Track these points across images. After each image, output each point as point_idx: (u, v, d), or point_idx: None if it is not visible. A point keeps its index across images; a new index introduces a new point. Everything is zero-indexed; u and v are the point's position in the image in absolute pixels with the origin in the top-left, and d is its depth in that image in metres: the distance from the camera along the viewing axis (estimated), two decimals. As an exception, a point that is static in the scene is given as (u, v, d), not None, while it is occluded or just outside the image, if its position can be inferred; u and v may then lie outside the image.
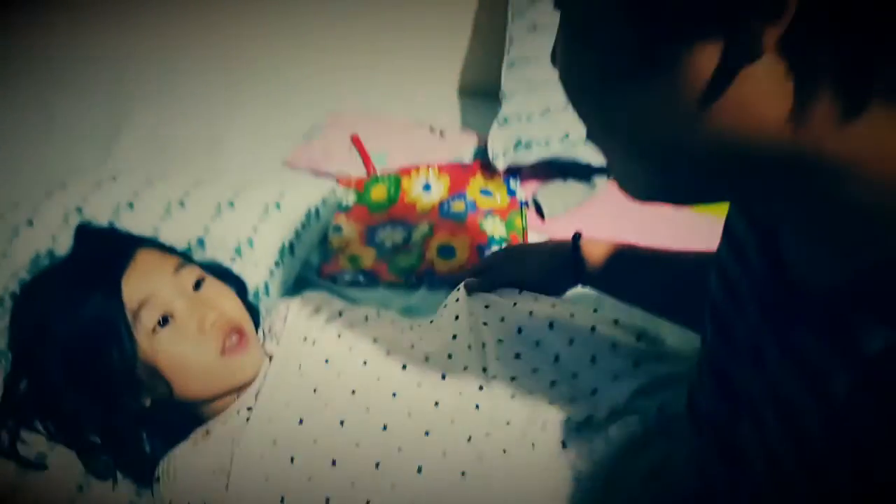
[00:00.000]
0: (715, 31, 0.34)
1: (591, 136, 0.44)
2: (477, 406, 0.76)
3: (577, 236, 0.89)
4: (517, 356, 0.81)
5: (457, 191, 1.31)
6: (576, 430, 0.72)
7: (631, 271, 0.86)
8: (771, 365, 0.47)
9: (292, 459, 0.75)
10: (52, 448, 0.77)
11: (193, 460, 0.78)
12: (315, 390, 0.80)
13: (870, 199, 0.37)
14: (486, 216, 1.25)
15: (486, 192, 1.31)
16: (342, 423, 0.76)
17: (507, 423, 0.74)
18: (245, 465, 0.75)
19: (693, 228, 1.14)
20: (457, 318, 0.87)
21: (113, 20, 1.74)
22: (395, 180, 1.34)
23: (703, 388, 0.58)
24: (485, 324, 0.86)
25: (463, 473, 0.71)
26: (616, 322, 0.83)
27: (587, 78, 0.41)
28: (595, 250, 0.87)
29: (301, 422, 0.77)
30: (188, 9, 1.70)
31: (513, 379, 0.78)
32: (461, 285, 0.92)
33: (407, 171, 1.35)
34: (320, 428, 0.76)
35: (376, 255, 1.21)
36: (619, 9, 0.36)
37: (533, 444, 0.72)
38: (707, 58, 0.34)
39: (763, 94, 0.35)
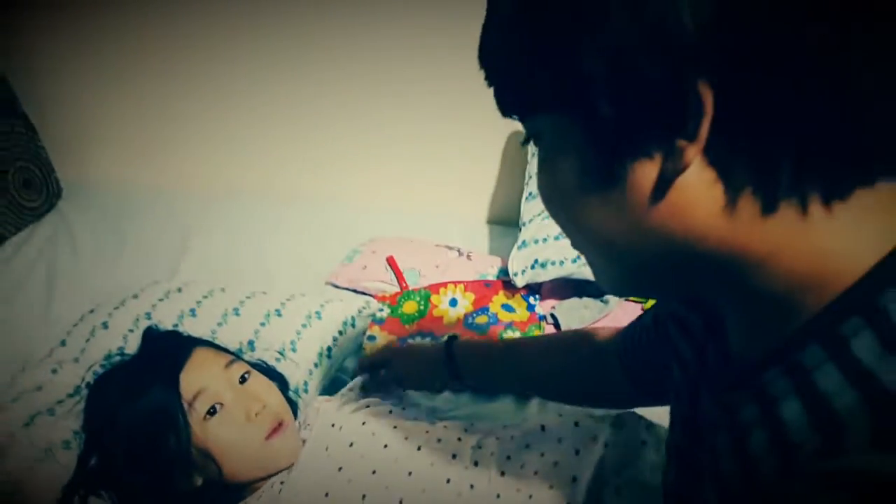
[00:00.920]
0: (651, 149, 0.41)
1: (573, 244, 0.53)
2: (472, 486, 0.85)
3: (451, 338, 1.02)
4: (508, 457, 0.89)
5: (481, 305, 1.44)
6: None
7: (488, 365, 0.98)
8: (709, 423, 0.55)
9: (327, 495, 0.84)
10: (115, 515, 0.88)
11: None
12: (340, 469, 0.89)
13: (780, 286, 0.43)
14: (506, 328, 1.37)
15: (507, 308, 1.43)
16: (364, 497, 0.85)
17: (498, 497, 0.82)
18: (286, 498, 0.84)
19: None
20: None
21: (177, 159, 1.99)
22: (426, 295, 1.47)
23: (669, 462, 0.65)
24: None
25: None
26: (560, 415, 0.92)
27: (559, 196, 0.49)
28: (467, 351, 1.00)
29: (327, 495, 0.86)
30: (244, 152, 1.93)
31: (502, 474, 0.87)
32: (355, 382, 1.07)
33: (436, 288, 1.48)
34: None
35: (406, 363, 1.32)
36: (579, 140, 0.44)
37: None
38: (648, 171, 0.41)
39: (696, 197, 0.41)
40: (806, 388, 0.42)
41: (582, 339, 0.92)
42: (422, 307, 1.45)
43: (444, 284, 1.49)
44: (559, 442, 0.87)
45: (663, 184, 0.41)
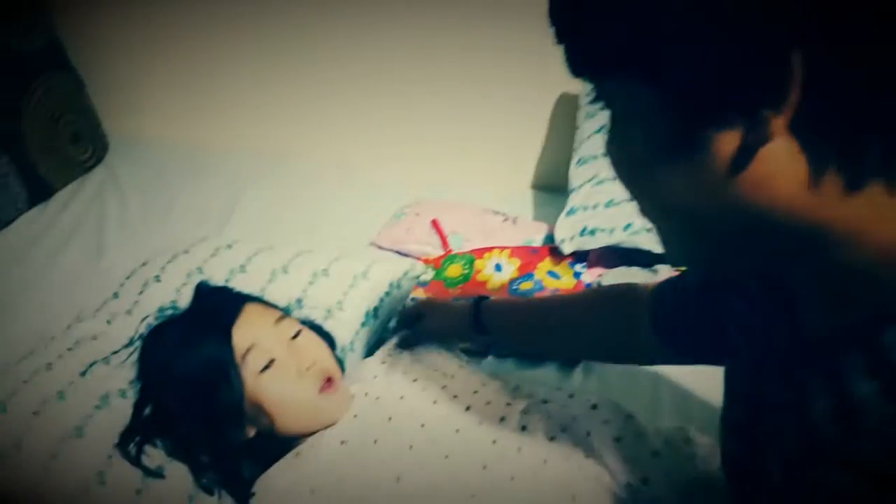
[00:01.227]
0: (735, 118, 0.39)
1: (643, 211, 0.51)
2: (519, 449, 0.85)
3: (479, 299, 1.02)
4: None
5: (526, 272, 1.43)
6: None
7: (511, 318, 1.00)
8: (775, 399, 0.54)
9: (363, 469, 0.85)
10: (169, 462, 0.90)
11: (283, 480, 0.89)
12: (390, 419, 0.91)
13: (866, 262, 0.42)
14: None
15: (553, 275, 1.42)
16: (411, 447, 0.86)
17: (545, 462, 0.83)
18: (324, 477, 0.86)
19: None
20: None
21: (229, 120, 1.99)
22: (470, 260, 1.47)
23: (727, 440, 0.65)
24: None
25: None
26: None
27: (632, 163, 0.47)
28: (494, 306, 1.01)
29: (375, 442, 0.88)
30: (294, 112, 1.92)
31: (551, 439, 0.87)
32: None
33: (481, 253, 1.47)
34: (391, 449, 0.87)
35: (450, 327, 1.33)
36: (656, 106, 0.43)
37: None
38: (730, 140, 0.39)
39: (779, 169, 0.40)
40: (885, 367, 0.41)
41: (608, 294, 0.93)
42: (466, 271, 1.45)
43: (489, 249, 1.48)
44: (604, 424, 0.87)
45: (746, 154, 0.40)
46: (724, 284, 0.66)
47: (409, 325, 1.12)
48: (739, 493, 0.63)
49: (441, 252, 1.51)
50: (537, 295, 1.35)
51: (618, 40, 0.41)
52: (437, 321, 1.07)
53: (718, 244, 0.47)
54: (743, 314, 0.62)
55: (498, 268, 1.44)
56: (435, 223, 1.56)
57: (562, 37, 0.45)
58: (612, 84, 0.45)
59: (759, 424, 0.56)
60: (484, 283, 1.42)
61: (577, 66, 0.45)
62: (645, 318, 0.81)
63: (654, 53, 0.40)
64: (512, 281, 1.41)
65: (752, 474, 0.58)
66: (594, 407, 0.89)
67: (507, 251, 1.47)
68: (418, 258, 1.50)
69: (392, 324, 1.30)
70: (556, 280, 1.40)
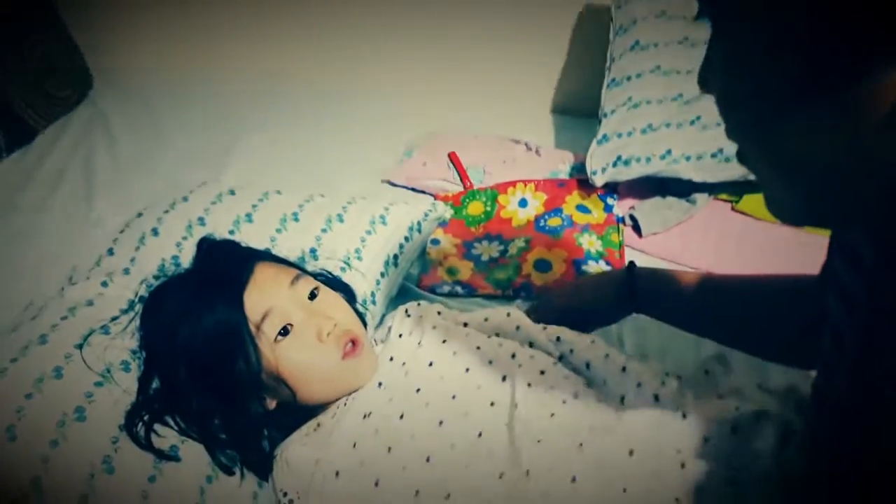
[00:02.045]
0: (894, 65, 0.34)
1: (744, 157, 0.45)
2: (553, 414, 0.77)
3: (632, 264, 0.91)
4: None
5: (553, 206, 1.32)
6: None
7: (687, 300, 0.87)
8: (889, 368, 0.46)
9: (389, 449, 0.77)
10: (182, 441, 0.81)
11: (302, 450, 0.81)
12: (418, 390, 0.82)
13: None
14: (582, 231, 1.26)
15: (582, 209, 1.32)
16: (441, 423, 0.78)
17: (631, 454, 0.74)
18: (344, 449, 0.78)
19: (795, 247, 1.12)
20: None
21: (223, 48, 1.84)
22: (492, 195, 1.36)
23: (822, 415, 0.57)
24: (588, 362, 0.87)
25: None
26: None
27: (757, 100, 0.41)
28: (650, 278, 0.89)
29: (402, 416, 0.79)
30: (292, 37, 1.78)
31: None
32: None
33: (504, 187, 1.37)
34: (419, 425, 0.78)
35: (473, 268, 1.23)
36: (800, 38, 0.36)
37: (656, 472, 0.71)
38: (887, 91, 0.35)
39: None
40: None
41: (788, 284, 0.80)
42: (488, 208, 1.35)
43: (513, 183, 1.37)
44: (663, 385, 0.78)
45: None
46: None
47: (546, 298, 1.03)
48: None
49: (460, 188, 1.40)
50: (567, 232, 1.25)
51: None
52: (568, 297, 0.98)
53: (834, 200, 0.42)
54: (846, 274, 0.54)
55: (523, 203, 1.34)
56: (453, 156, 1.45)
57: None
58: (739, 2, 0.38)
59: (870, 399, 0.49)
60: (509, 221, 1.32)
61: None
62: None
63: None
64: (538, 217, 1.31)
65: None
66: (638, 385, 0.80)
67: (532, 185, 1.37)
68: (435, 195, 1.39)
69: (416, 272, 1.21)
70: (587, 214, 1.31)
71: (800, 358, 0.79)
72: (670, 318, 0.91)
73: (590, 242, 1.25)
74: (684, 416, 0.75)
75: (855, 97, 0.36)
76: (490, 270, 1.23)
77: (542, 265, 1.21)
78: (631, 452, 0.72)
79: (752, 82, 0.40)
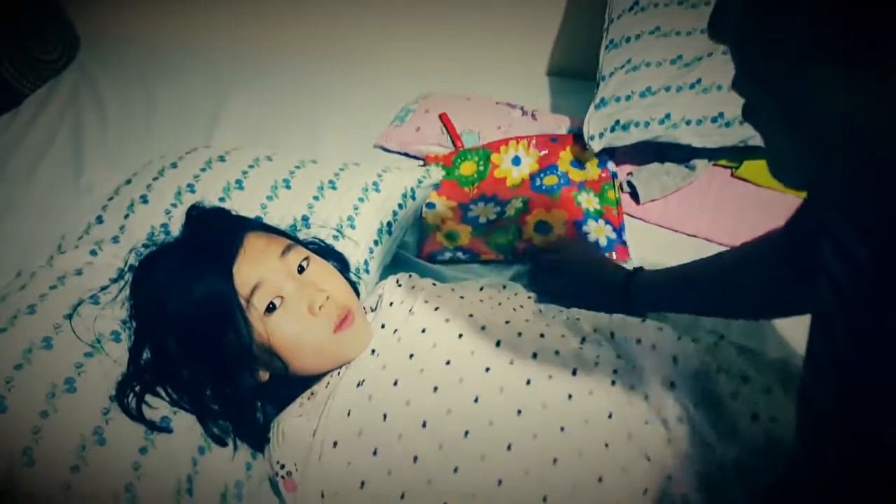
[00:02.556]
0: None
1: (752, 115, 0.43)
2: (570, 396, 0.76)
3: (634, 273, 0.97)
4: (618, 356, 0.81)
5: (548, 163, 1.31)
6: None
7: (668, 296, 0.94)
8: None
9: (385, 417, 0.77)
10: (175, 413, 0.80)
11: (298, 421, 0.81)
12: (411, 356, 0.81)
13: None
14: (579, 189, 1.24)
15: (577, 164, 1.30)
16: (435, 389, 0.77)
17: (609, 417, 0.74)
18: (340, 419, 0.78)
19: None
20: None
21: (211, 11, 1.79)
22: (485, 154, 1.34)
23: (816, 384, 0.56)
24: (577, 319, 0.88)
25: (555, 461, 0.71)
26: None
27: (775, 50, 0.38)
28: (644, 286, 0.95)
29: (396, 383, 0.79)
30: (283, 1, 1.73)
31: (615, 372, 0.78)
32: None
33: (496, 146, 1.34)
34: (414, 391, 0.78)
35: (472, 232, 1.22)
36: None
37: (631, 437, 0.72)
38: None
39: None
40: None
41: (750, 251, 0.84)
42: (481, 168, 1.33)
43: (505, 141, 1.35)
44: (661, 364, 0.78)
45: None
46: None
47: (543, 275, 1.08)
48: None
49: (452, 150, 1.38)
50: (564, 191, 1.24)
51: None
52: (576, 283, 1.03)
53: (846, 169, 0.40)
54: (834, 261, 0.52)
55: (516, 161, 1.32)
56: (444, 117, 1.42)
57: None
58: None
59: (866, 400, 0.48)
60: (503, 180, 1.30)
61: None
62: (787, 263, 0.74)
63: None
64: (533, 175, 1.30)
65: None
66: (653, 347, 0.80)
67: (525, 142, 1.35)
68: (426, 157, 1.37)
69: (412, 240, 1.19)
70: (581, 171, 1.30)
71: (798, 307, 0.81)
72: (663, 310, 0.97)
73: (588, 201, 1.23)
74: (672, 384, 0.75)
75: (882, 53, 0.34)
76: (489, 234, 1.21)
77: (543, 227, 1.20)
78: (610, 415, 0.74)
79: (771, 30, 0.37)
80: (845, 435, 0.49)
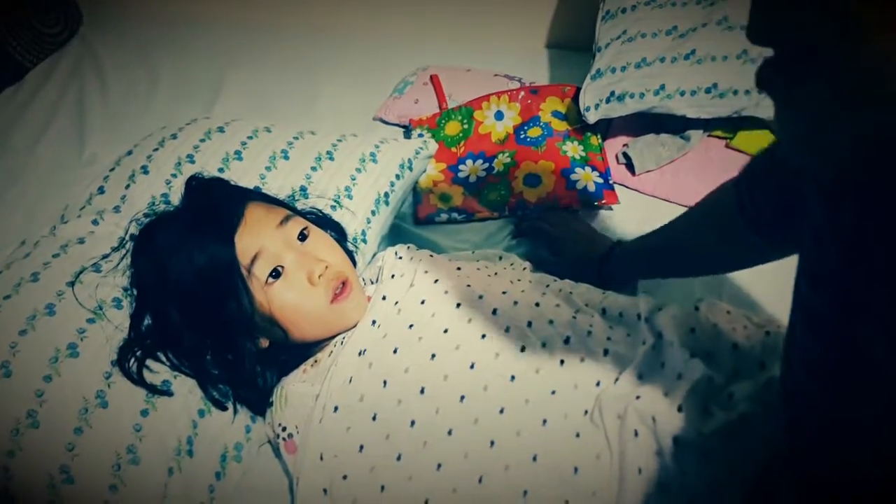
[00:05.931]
0: None
1: (765, 82, 0.38)
2: (562, 362, 0.78)
3: (615, 244, 1.01)
4: (609, 327, 0.82)
5: (530, 115, 1.32)
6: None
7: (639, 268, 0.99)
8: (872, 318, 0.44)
9: (385, 383, 0.79)
10: (176, 376, 0.82)
11: (301, 387, 0.84)
12: (411, 326, 0.83)
13: None
14: (563, 140, 1.26)
15: (558, 115, 1.32)
16: (433, 356, 0.79)
17: (598, 385, 0.75)
18: (342, 385, 0.80)
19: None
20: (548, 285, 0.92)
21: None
22: (468, 112, 1.35)
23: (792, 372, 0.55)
24: (570, 293, 0.89)
25: (545, 422, 0.73)
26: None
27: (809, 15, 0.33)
28: (620, 262, 0.98)
29: (395, 351, 0.81)
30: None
31: (608, 339, 0.80)
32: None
33: (478, 103, 1.36)
34: (413, 358, 0.80)
35: (464, 192, 1.23)
36: None
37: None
38: None
39: None
40: None
41: (708, 207, 0.85)
42: (465, 126, 1.34)
43: (486, 97, 1.36)
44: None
45: None
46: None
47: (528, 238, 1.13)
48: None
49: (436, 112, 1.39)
50: (549, 141, 1.26)
51: None
52: (564, 254, 1.06)
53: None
54: (817, 213, 0.49)
55: (499, 115, 1.34)
56: (434, 79, 1.42)
57: None
58: None
59: (849, 355, 0.47)
60: (488, 136, 1.32)
61: None
62: (736, 215, 0.75)
63: None
64: (517, 129, 1.31)
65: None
66: (660, 336, 0.80)
67: (506, 96, 1.36)
68: (410, 120, 1.37)
69: (409, 212, 1.21)
70: (563, 121, 1.32)
71: (748, 260, 0.85)
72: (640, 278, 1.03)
73: (573, 149, 1.25)
74: (663, 365, 0.77)
75: None
76: (481, 192, 1.23)
77: (532, 180, 1.21)
78: (598, 383, 0.75)
79: None
80: (825, 377, 0.48)
